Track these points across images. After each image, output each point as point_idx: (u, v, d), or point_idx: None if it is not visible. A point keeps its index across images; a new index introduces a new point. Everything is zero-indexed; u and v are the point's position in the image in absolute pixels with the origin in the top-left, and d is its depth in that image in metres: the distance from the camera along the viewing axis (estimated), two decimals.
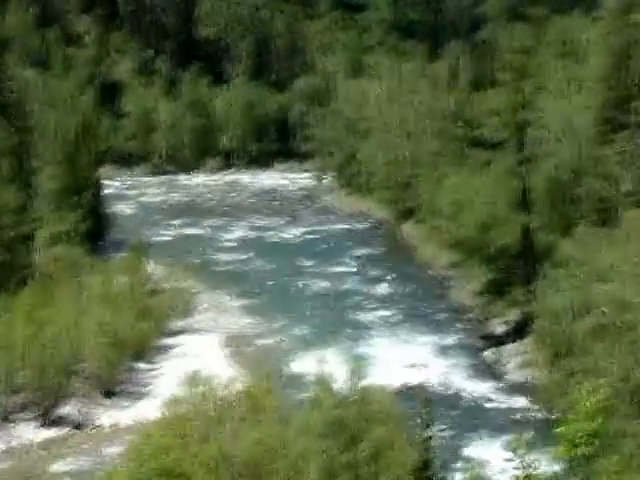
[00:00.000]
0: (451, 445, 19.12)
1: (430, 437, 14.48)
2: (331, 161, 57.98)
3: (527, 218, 27.68)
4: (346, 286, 36.37)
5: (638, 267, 19.05)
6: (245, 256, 42.05)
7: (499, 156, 30.68)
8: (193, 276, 35.26)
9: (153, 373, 25.92)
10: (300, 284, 36.86)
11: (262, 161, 68.50)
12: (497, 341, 27.50)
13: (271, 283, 36.91)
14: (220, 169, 68.27)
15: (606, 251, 21.06)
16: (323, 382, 15.28)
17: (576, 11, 51.01)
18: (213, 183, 64.36)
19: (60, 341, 23.13)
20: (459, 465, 17.31)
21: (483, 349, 27.36)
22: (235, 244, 45.14)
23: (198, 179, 65.60)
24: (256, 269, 39.66)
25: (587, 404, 6.20)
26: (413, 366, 25.95)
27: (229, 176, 66.54)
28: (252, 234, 47.44)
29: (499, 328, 28.36)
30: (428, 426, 14.58)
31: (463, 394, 23.83)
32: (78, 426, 22.37)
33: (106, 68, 70.57)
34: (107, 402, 23.52)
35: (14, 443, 21.36)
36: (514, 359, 25.42)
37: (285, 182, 63.36)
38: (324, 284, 36.58)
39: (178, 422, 15.04)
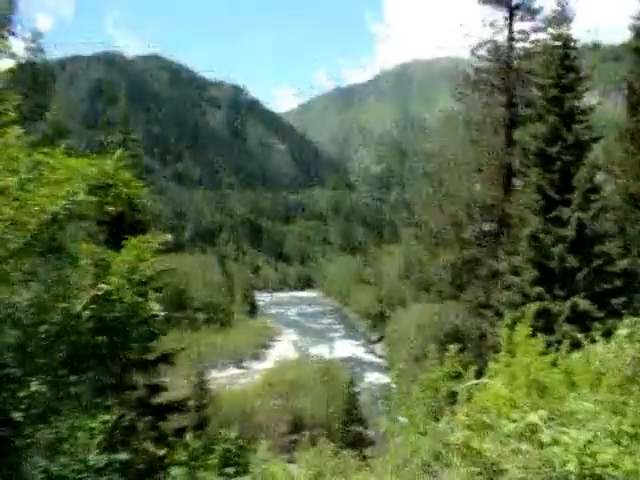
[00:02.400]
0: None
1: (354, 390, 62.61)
2: None
3: None
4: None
5: None
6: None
7: None
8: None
9: (267, 354, 77.97)
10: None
11: None
12: (373, 341, 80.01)
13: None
14: None
15: None
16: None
17: None
18: None
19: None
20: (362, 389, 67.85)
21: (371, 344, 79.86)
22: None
23: None
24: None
25: None
26: (345, 350, 77.40)
27: None
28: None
29: (374, 338, 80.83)
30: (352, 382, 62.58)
31: (361, 358, 75.49)
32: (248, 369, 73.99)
33: None
34: (257, 362, 75.18)
35: (225, 375, 72.99)
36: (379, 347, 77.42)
37: None
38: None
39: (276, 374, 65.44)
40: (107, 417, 6.92)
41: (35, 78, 18.75)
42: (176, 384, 27.38)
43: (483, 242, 22.80)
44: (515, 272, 19.30)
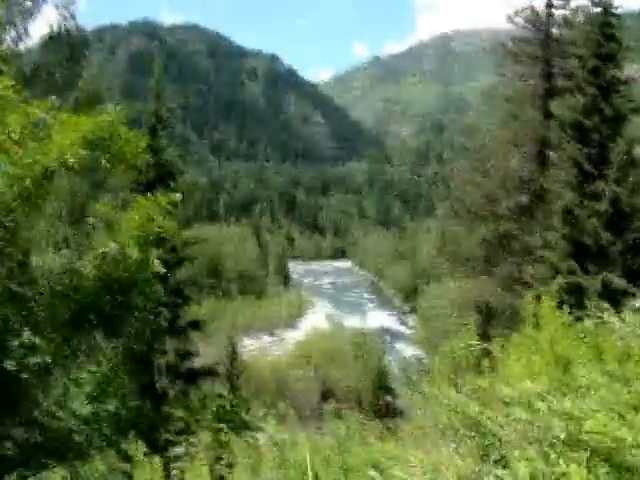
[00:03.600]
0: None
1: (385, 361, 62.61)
2: None
3: None
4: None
5: None
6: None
7: None
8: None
9: (300, 325, 78.63)
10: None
11: None
12: (406, 313, 79.93)
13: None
14: None
15: None
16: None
17: None
18: None
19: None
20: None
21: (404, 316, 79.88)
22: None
23: None
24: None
25: None
26: (378, 321, 77.61)
27: None
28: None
29: (406, 310, 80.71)
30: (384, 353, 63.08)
31: (394, 329, 75.69)
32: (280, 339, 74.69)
33: None
34: (290, 332, 75.89)
35: (258, 344, 73.77)
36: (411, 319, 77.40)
37: None
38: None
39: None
40: (94, 368, 7.10)
41: (69, 46, 18.94)
42: (209, 352, 27.89)
43: (518, 217, 22.47)
44: (548, 247, 19.00)
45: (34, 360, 5.18)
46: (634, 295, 13.82)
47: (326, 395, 42.61)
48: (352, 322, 69.09)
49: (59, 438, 5.31)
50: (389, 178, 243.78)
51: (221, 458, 8.46)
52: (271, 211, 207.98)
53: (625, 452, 2.27)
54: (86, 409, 6.07)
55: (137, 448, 8.24)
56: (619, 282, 15.64)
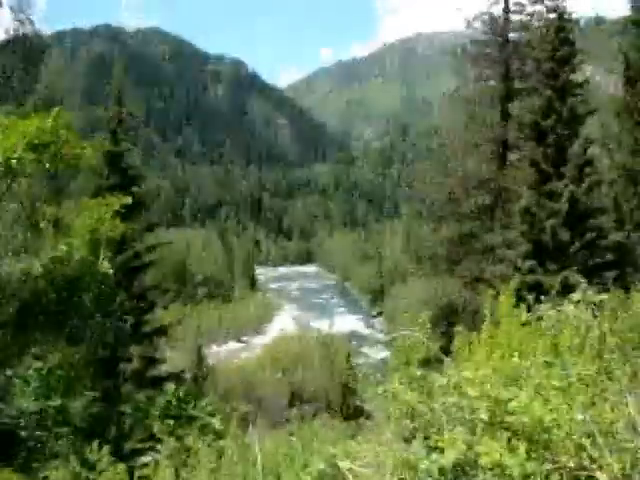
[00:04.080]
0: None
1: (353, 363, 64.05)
2: None
3: None
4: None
5: None
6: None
7: None
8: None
9: (268, 329, 78.46)
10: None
11: None
12: (374, 316, 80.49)
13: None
14: None
15: None
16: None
17: None
18: None
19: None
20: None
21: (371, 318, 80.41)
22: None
23: None
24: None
25: None
26: (346, 324, 77.98)
27: None
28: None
29: (374, 312, 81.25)
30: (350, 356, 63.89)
31: (361, 332, 76.11)
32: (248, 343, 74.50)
33: None
34: (258, 336, 75.67)
35: (225, 349, 73.40)
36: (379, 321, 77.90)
37: None
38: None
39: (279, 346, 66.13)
40: (40, 364, 7.08)
41: (27, 51, 18.64)
42: (175, 357, 27.68)
43: (478, 217, 22.84)
44: (508, 246, 19.37)
45: None
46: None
47: (295, 398, 42.62)
48: (320, 326, 69.10)
49: (4, 435, 5.28)
50: (354, 180, 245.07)
51: (185, 464, 8.44)
52: (236, 215, 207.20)
53: (544, 431, 2.41)
54: (32, 405, 6.05)
55: (101, 456, 8.18)
56: (576, 279, 16.01)
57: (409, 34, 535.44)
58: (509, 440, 2.35)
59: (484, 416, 2.42)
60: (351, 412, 34.16)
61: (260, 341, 69.44)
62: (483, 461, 2.19)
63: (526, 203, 18.71)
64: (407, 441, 2.54)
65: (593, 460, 2.36)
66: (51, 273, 5.75)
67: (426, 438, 2.41)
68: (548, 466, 2.28)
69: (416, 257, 28.11)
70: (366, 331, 75.31)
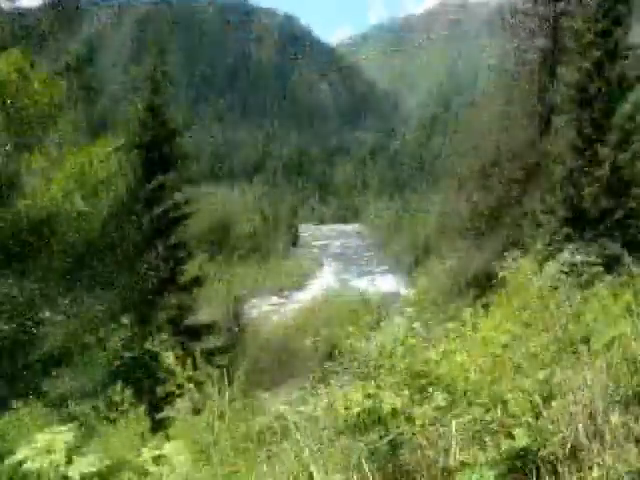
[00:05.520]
0: None
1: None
2: None
3: None
4: None
5: None
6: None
7: None
8: None
9: (309, 286, 79.15)
10: None
11: None
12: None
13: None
14: None
15: None
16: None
17: None
18: None
19: None
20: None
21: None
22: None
23: None
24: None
25: None
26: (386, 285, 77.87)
27: None
28: None
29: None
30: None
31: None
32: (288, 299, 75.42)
33: None
34: (298, 293, 76.51)
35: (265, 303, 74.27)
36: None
37: None
38: None
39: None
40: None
41: (65, 11, 18.81)
42: (212, 310, 28.21)
43: (518, 183, 22.40)
44: (547, 212, 19.01)
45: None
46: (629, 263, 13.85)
47: (332, 356, 43.03)
48: (361, 284, 69.43)
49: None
50: (395, 148, 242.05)
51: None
52: (279, 175, 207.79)
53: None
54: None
55: (124, 397, 8.55)
56: (614, 248, 15.69)
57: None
58: (423, 389, 2.46)
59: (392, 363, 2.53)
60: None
61: (301, 297, 70.21)
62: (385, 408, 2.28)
63: (568, 168, 18.31)
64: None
65: (511, 415, 2.43)
66: (28, 213, 6.02)
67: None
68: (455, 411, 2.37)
69: (451, 226, 27.78)
70: (406, 292, 75.21)
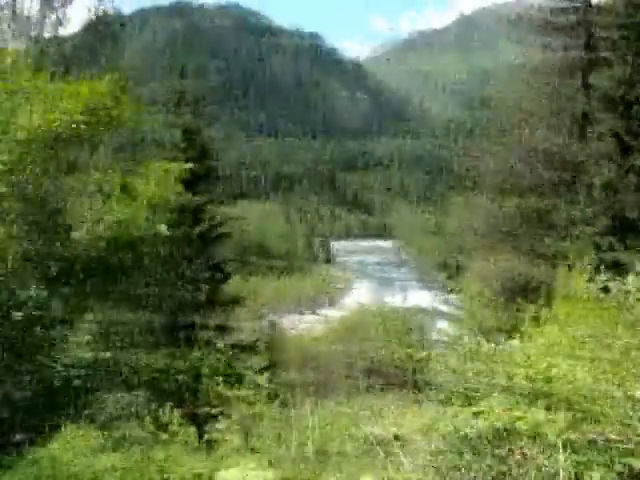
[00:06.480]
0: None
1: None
2: None
3: None
4: None
5: None
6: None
7: None
8: None
9: (340, 301, 79.11)
10: None
11: None
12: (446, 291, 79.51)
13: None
14: None
15: None
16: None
17: None
18: None
19: None
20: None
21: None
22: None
23: None
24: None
25: None
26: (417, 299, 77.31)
27: None
28: None
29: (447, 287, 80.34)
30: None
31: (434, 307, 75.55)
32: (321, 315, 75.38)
33: None
34: (332, 309, 76.51)
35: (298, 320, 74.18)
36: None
37: None
38: None
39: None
40: (91, 317, 7.45)
41: (106, 28, 19.26)
42: (248, 327, 28.34)
43: (551, 191, 21.99)
44: (586, 221, 18.71)
45: (40, 313, 5.54)
46: None
47: (370, 370, 42.77)
48: (394, 300, 69.01)
49: (59, 386, 5.68)
50: (418, 153, 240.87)
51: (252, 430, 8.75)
52: (312, 189, 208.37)
53: (586, 401, 2.43)
54: (87, 356, 6.48)
55: (172, 417, 8.60)
56: None
57: (475, 7, 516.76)
58: (548, 408, 2.39)
59: (524, 383, 2.48)
60: (416, 385, 34.18)
61: (334, 313, 70.02)
62: (522, 427, 2.24)
63: (608, 177, 18.03)
64: (452, 406, 2.62)
65: (638, 434, 2.36)
66: (115, 235, 6.08)
67: (469, 404, 2.48)
68: (591, 436, 2.30)
69: (481, 232, 27.13)
70: (440, 306, 74.53)
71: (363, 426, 4.44)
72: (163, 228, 6.97)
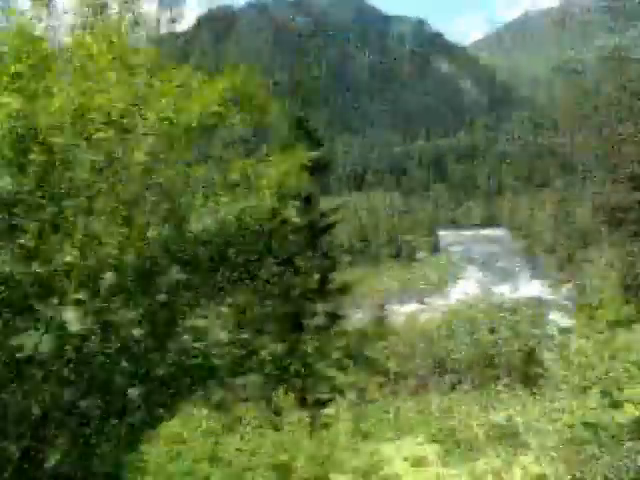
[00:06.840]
0: None
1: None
2: None
3: None
4: None
5: None
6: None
7: None
8: None
9: (450, 291, 77.99)
10: None
11: None
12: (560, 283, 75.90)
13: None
14: None
15: None
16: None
17: None
18: None
19: None
20: None
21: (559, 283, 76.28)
22: None
23: None
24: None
25: None
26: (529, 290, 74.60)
27: None
28: None
29: (560, 278, 76.79)
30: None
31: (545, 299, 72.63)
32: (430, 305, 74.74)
33: None
34: (440, 299, 75.68)
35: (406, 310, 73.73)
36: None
37: None
38: None
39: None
40: (230, 300, 7.71)
41: (219, 24, 19.91)
42: (358, 316, 28.52)
43: None
44: None
45: (182, 293, 5.89)
46: None
47: (487, 362, 41.85)
48: (503, 290, 67.20)
49: (201, 364, 5.97)
50: (533, 142, 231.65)
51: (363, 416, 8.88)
52: (418, 177, 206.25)
53: None
54: (224, 335, 6.78)
55: (287, 403, 8.91)
56: None
57: None
58: None
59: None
60: (532, 377, 33.16)
61: (442, 303, 69.12)
62: None
63: None
64: (581, 395, 2.59)
65: None
66: (242, 221, 6.34)
67: (604, 394, 2.43)
68: None
69: (609, 222, 25.86)
70: (552, 297, 71.78)
71: (490, 414, 4.43)
72: (293, 214, 7.21)
